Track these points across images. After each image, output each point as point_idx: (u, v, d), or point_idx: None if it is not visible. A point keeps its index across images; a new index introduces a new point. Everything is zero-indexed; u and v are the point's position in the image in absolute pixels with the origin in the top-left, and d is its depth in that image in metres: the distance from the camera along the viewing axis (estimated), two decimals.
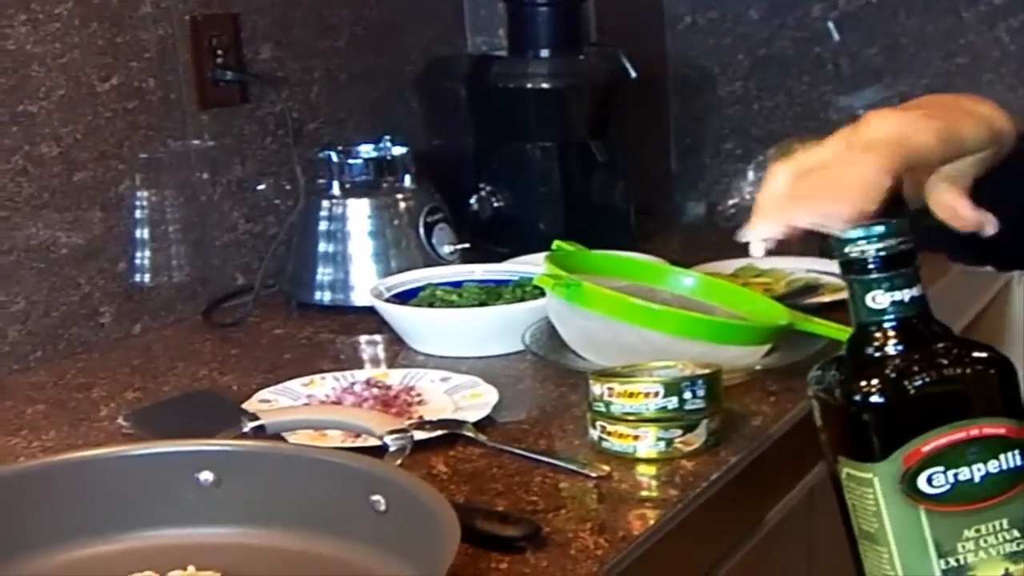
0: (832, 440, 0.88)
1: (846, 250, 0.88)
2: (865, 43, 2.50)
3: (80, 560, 1.10)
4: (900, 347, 0.85)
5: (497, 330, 1.62)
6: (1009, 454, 0.82)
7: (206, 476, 1.12)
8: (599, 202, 2.13)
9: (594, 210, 2.11)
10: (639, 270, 1.64)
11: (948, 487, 0.83)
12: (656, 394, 1.27)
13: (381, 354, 1.74)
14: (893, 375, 0.84)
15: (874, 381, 0.84)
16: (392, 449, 1.12)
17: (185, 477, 1.12)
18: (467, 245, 1.95)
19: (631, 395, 1.28)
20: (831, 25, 2.51)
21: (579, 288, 1.43)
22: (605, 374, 1.32)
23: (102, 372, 1.69)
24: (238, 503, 1.12)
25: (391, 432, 1.13)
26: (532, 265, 1.72)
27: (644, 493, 1.26)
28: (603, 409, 1.30)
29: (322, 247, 1.88)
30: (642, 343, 1.42)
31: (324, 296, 1.89)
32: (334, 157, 1.93)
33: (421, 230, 1.90)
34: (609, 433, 1.30)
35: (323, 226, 1.89)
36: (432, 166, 2.07)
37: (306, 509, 1.09)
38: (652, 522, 1.18)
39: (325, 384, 1.52)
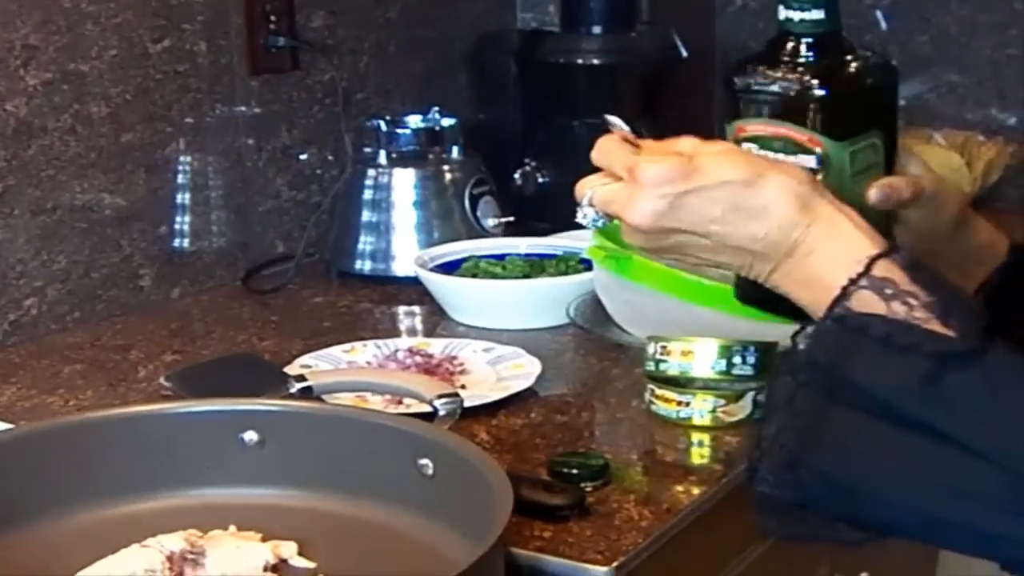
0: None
1: None
2: (914, 32, 2.46)
3: (122, 517, 1.09)
4: (794, 55, 0.99)
5: (541, 303, 1.60)
6: (803, 156, 0.97)
7: (251, 436, 1.11)
8: None
9: None
10: None
11: None
12: (706, 354, 1.27)
13: (421, 325, 1.72)
14: (767, 68, 1.00)
15: (759, 67, 1.00)
16: (442, 413, 1.10)
17: (230, 437, 1.11)
18: (511, 219, 1.93)
19: (683, 354, 1.27)
20: (880, 13, 2.48)
21: (628, 261, 1.40)
22: (663, 337, 1.30)
23: (140, 334, 1.68)
24: (282, 464, 1.10)
25: (441, 396, 1.11)
26: (576, 240, 1.70)
27: (689, 466, 1.25)
28: (653, 368, 1.29)
29: (366, 216, 1.86)
30: (689, 318, 1.39)
31: (365, 265, 1.86)
32: (382, 126, 1.91)
33: (466, 202, 1.88)
34: (657, 396, 1.30)
35: (368, 195, 1.87)
36: (478, 140, 2.05)
37: (351, 472, 1.08)
38: (696, 495, 1.17)
39: (366, 351, 1.50)
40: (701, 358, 1.26)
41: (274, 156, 1.96)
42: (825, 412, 0.86)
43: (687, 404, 1.28)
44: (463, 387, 1.37)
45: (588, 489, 1.13)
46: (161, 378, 1.42)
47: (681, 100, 2.21)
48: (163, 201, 1.82)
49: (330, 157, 2.02)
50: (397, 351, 1.49)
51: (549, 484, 1.12)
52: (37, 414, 1.40)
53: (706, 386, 1.28)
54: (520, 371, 1.41)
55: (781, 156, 0.96)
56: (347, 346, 1.51)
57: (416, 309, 1.76)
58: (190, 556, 1.00)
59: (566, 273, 1.68)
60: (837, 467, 0.86)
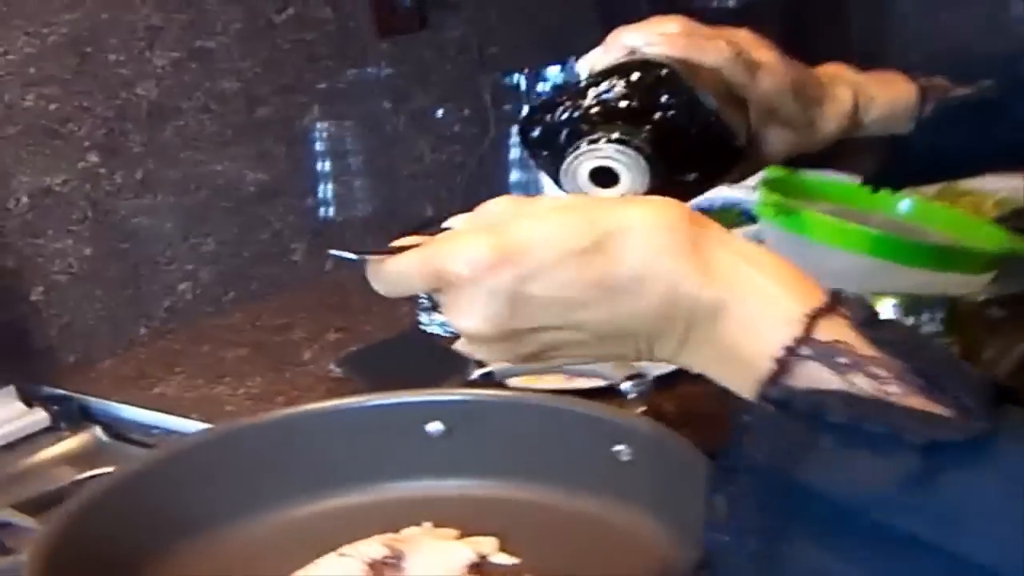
0: None
1: None
2: None
3: (312, 517, 1.07)
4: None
5: None
6: None
7: (436, 427, 1.08)
8: None
9: None
10: (851, 194, 1.55)
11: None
12: (891, 314, 1.21)
13: None
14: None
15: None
16: (631, 396, 1.06)
17: (414, 429, 1.08)
18: None
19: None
20: None
21: (800, 216, 1.35)
22: None
23: (299, 312, 1.67)
24: (470, 455, 1.07)
25: (629, 377, 1.07)
26: (735, 190, 1.64)
27: None
28: None
29: (514, 176, 1.83)
30: (859, 272, 1.34)
31: None
32: (521, 81, 1.87)
33: None
34: None
35: (514, 154, 1.84)
36: None
37: (542, 460, 1.05)
38: None
39: None
40: (885, 313, 1.21)
41: (412, 118, 1.93)
42: (774, 532, 0.62)
43: None
44: None
45: None
46: (331, 364, 1.40)
47: (820, 35, 2.14)
48: (306, 172, 1.80)
49: (467, 113, 1.99)
50: None
51: None
52: (206, 404, 1.39)
53: None
54: None
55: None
56: None
57: None
58: (390, 561, 0.98)
59: (727, 227, 1.62)
60: None
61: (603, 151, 0.84)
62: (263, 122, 1.73)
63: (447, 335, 0.70)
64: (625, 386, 1.07)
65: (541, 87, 1.89)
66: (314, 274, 1.79)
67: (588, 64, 0.93)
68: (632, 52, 0.91)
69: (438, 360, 1.27)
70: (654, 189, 0.83)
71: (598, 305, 0.66)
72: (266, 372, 1.47)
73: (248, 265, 1.73)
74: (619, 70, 0.89)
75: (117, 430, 1.38)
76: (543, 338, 0.69)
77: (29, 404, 1.41)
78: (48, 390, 1.47)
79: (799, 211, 1.36)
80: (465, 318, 0.69)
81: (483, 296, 0.67)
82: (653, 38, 0.91)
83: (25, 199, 1.46)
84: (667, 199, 0.68)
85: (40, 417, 1.39)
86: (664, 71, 0.88)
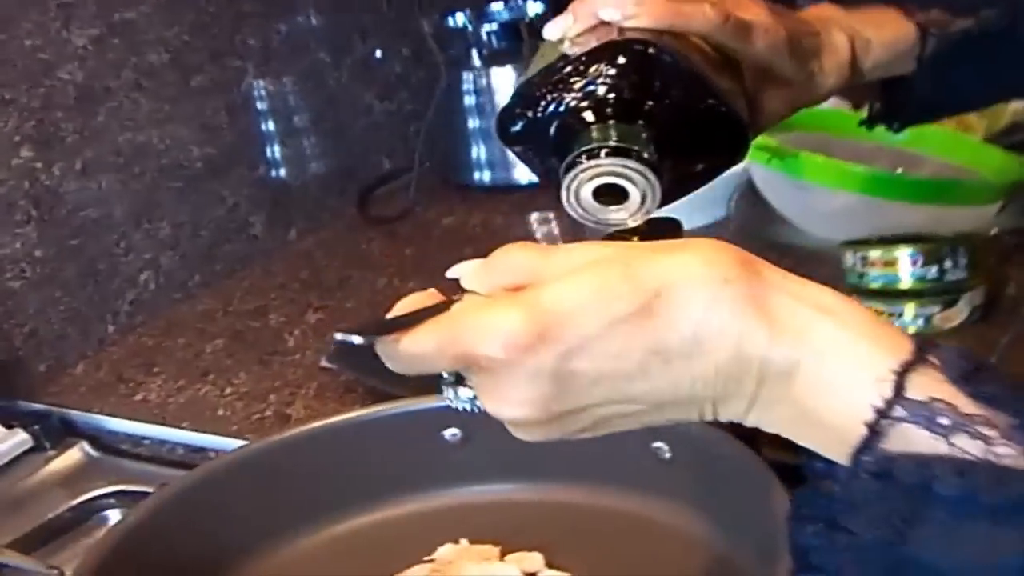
0: None
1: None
2: None
3: (344, 535, 1.02)
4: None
5: (695, 198, 1.50)
6: None
7: (453, 432, 1.03)
8: None
9: None
10: (843, 121, 1.51)
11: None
12: (914, 262, 1.16)
13: (561, 234, 1.63)
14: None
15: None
16: None
17: (430, 436, 1.03)
18: None
19: (887, 264, 1.17)
20: None
21: (797, 159, 1.30)
22: (858, 243, 1.21)
23: (271, 291, 1.60)
24: (493, 459, 1.02)
25: None
26: None
27: None
28: (857, 281, 1.20)
29: (472, 123, 1.76)
30: (868, 211, 1.30)
31: (484, 176, 1.77)
32: (467, 23, 1.79)
33: None
34: None
35: (469, 100, 1.76)
36: None
37: (578, 460, 0.99)
38: None
39: None
40: (906, 267, 1.16)
41: (355, 68, 1.84)
42: None
43: (899, 315, 1.18)
44: None
45: None
46: (323, 360, 1.34)
47: None
48: (253, 139, 1.71)
49: (410, 59, 1.90)
50: None
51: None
52: (195, 410, 1.32)
53: (918, 294, 1.17)
54: None
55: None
56: None
57: (550, 215, 1.66)
58: None
59: None
60: None
61: (604, 166, 0.76)
62: (200, 91, 1.63)
63: (478, 410, 0.62)
64: None
65: (487, 28, 1.79)
66: (278, 246, 1.72)
67: (557, 32, 0.85)
68: (607, 25, 0.84)
69: None
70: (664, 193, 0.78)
71: (654, 374, 0.59)
72: (251, 366, 1.40)
73: (208, 245, 1.65)
74: (602, 52, 0.81)
75: (105, 443, 1.31)
76: (596, 413, 0.62)
77: (8, 425, 1.34)
78: (25, 405, 1.39)
79: (796, 154, 1.31)
80: (506, 406, 0.61)
81: (523, 380, 0.59)
82: (630, 8, 0.82)
83: None
84: (712, 242, 0.61)
85: (22, 438, 1.31)
86: (651, 50, 0.80)
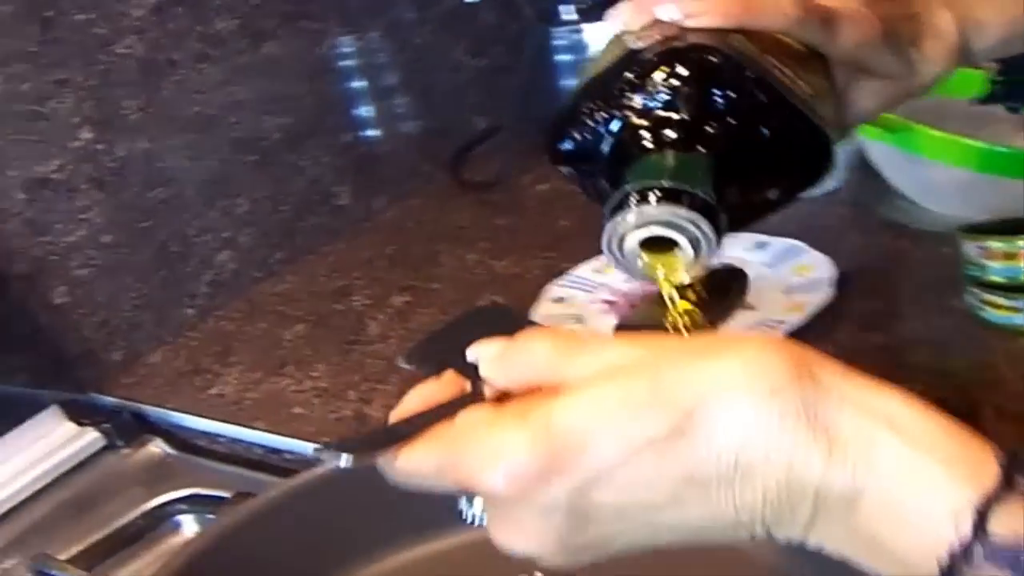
0: None
1: None
2: None
3: (422, 559, 0.95)
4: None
5: None
6: None
7: None
8: None
9: None
10: (961, 81, 1.34)
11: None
12: None
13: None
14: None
15: None
16: None
17: None
18: None
19: (1008, 256, 1.04)
20: None
21: (910, 132, 1.16)
22: (976, 230, 1.06)
23: (356, 268, 1.49)
24: None
25: None
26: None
27: None
28: (977, 273, 1.06)
29: (565, 82, 1.62)
30: (988, 186, 1.16)
31: None
32: None
33: None
34: (985, 302, 1.06)
35: (564, 58, 1.62)
36: None
37: None
38: None
39: None
40: None
41: (442, 22, 1.71)
42: None
43: (1021, 310, 1.04)
44: (750, 308, 1.15)
45: None
46: (399, 359, 1.23)
47: None
48: (333, 106, 1.60)
49: (501, 10, 1.76)
50: None
51: None
52: (271, 407, 1.23)
53: None
54: (809, 276, 1.17)
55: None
56: (597, 263, 1.28)
57: None
58: None
59: None
60: None
61: (653, 214, 0.63)
62: (273, 59, 1.51)
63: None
64: None
65: None
66: (364, 216, 1.61)
67: (619, 23, 0.72)
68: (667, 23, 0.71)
69: None
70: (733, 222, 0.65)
71: (689, 504, 0.51)
72: (330, 356, 1.30)
73: (290, 219, 1.54)
74: (661, 60, 0.68)
75: (180, 440, 1.25)
76: (625, 540, 0.53)
77: (79, 423, 1.27)
78: (98, 399, 1.32)
79: (908, 127, 1.18)
80: (516, 541, 0.54)
81: (534, 514, 0.52)
82: (690, 5, 0.69)
83: (20, 195, 1.28)
84: (760, 341, 0.51)
85: (93, 437, 1.25)
86: (715, 57, 0.68)
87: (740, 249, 1.23)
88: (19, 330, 1.29)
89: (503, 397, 0.56)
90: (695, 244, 0.64)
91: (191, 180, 1.44)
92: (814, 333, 1.10)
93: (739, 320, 1.13)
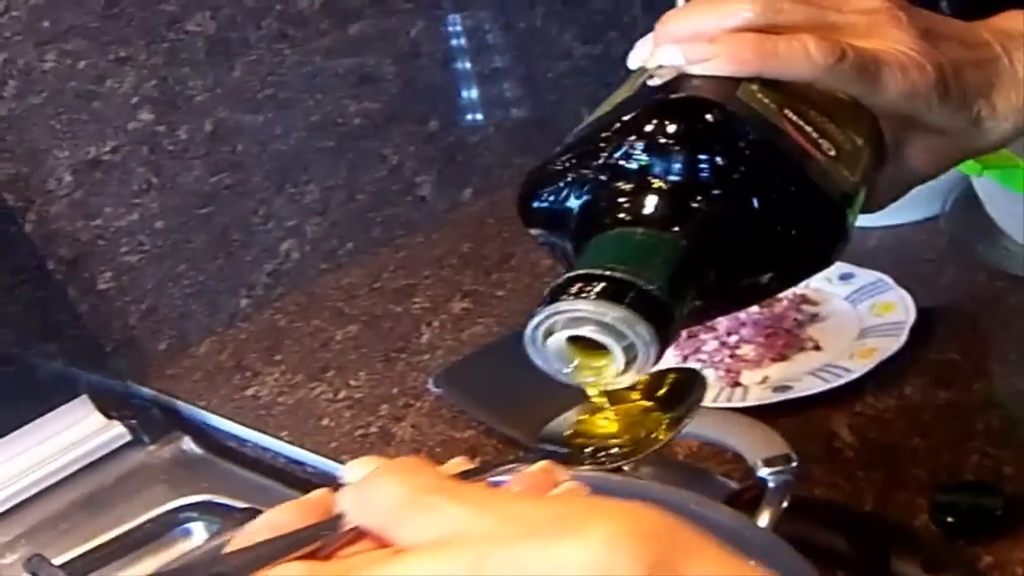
0: None
1: None
2: None
3: None
4: None
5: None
6: None
7: None
8: None
9: None
10: None
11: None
12: None
13: None
14: None
15: None
16: (772, 486, 0.76)
17: None
18: None
19: None
20: None
21: (1017, 171, 1.02)
22: None
23: (425, 267, 1.40)
24: None
25: (770, 461, 0.76)
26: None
27: None
28: None
29: None
30: None
31: None
32: None
33: None
34: None
35: None
36: None
37: None
38: None
39: None
40: None
41: (553, 8, 1.59)
42: None
43: None
44: (817, 348, 1.03)
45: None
46: (429, 382, 1.14)
47: None
48: (425, 91, 1.50)
49: None
50: None
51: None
52: (303, 414, 1.16)
53: None
54: (887, 318, 1.04)
55: None
56: None
57: None
58: None
59: None
60: None
61: (585, 311, 0.52)
62: (360, 39, 1.42)
63: None
64: (764, 472, 0.76)
65: None
66: (449, 208, 1.52)
67: (637, 60, 0.61)
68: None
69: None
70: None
71: None
72: (375, 364, 1.22)
73: (365, 209, 1.46)
74: (651, 112, 0.57)
75: (209, 440, 1.19)
76: None
77: (108, 415, 1.21)
78: (134, 388, 1.27)
79: (1016, 166, 1.03)
80: None
81: None
82: (698, 51, 0.58)
83: (68, 177, 1.22)
84: (632, 518, 0.41)
85: (118, 432, 1.19)
86: (712, 115, 0.56)
87: (822, 279, 1.10)
88: (59, 315, 1.24)
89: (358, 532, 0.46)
90: (629, 351, 0.52)
91: (258, 166, 1.36)
92: (878, 382, 0.97)
93: (803, 362, 1.02)
